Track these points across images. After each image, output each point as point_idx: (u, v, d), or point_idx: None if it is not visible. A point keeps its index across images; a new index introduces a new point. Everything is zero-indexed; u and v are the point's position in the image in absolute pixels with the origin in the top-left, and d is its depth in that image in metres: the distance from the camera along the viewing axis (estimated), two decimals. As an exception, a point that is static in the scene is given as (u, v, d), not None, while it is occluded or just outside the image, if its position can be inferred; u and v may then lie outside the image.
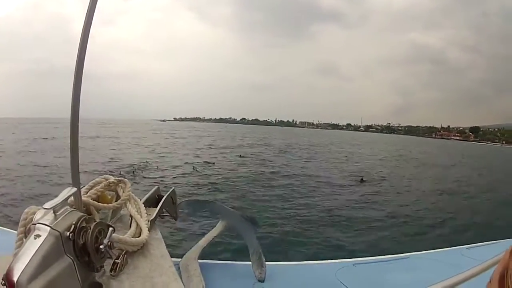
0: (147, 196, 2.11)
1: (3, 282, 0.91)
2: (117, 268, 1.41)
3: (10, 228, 2.80)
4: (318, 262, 3.13)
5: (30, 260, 0.92)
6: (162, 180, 19.08)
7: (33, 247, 0.95)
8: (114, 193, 1.87)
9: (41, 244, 0.95)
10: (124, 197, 1.80)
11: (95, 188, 1.75)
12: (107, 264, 1.31)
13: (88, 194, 1.68)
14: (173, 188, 2.30)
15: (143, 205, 1.88)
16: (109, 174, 1.89)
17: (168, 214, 2.20)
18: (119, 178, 1.88)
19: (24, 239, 1.20)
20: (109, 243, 1.14)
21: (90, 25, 1.12)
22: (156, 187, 2.28)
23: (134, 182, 17.33)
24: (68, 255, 1.03)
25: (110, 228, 1.18)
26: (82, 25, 1.11)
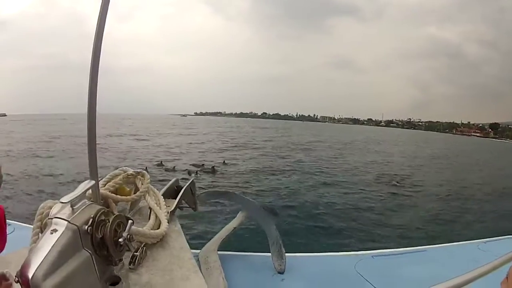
0: (166, 187, 2.10)
1: (17, 278, 0.89)
2: (136, 261, 1.40)
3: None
4: (337, 254, 3.14)
5: (46, 256, 0.90)
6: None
7: (49, 242, 0.93)
8: (132, 185, 1.86)
9: (58, 239, 0.94)
10: (143, 189, 1.78)
11: (113, 180, 1.73)
12: (126, 257, 1.29)
13: (106, 186, 1.67)
14: (192, 179, 2.28)
15: (162, 197, 1.87)
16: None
17: (187, 206, 2.19)
18: (138, 170, 1.86)
19: (40, 234, 1.20)
20: (128, 236, 1.12)
21: (105, 20, 1.10)
22: (175, 178, 2.26)
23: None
24: (86, 249, 1.01)
25: (130, 221, 1.16)
26: (97, 20, 1.09)
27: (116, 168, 1.81)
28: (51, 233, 0.95)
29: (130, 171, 1.84)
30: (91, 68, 1.08)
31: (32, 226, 1.22)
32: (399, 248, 3.19)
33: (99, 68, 1.09)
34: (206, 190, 2.68)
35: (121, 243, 1.10)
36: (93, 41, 1.09)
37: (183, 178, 2.33)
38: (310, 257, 2.94)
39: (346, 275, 2.49)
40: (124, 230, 1.13)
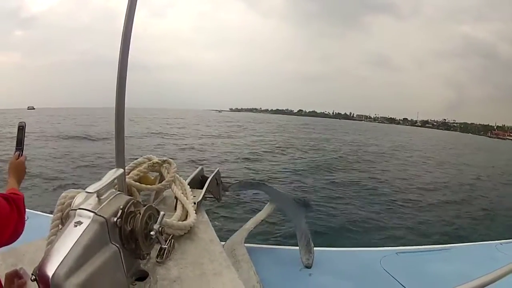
0: (191, 177, 2.01)
1: (34, 277, 0.79)
2: (164, 254, 1.30)
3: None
4: (363, 249, 3.19)
5: (69, 251, 0.80)
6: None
7: (72, 236, 0.83)
8: (157, 174, 1.78)
9: (83, 232, 0.84)
10: (169, 178, 1.68)
11: (137, 169, 1.65)
12: (153, 250, 1.19)
13: (130, 175, 1.58)
14: (217, 169, 2.19)
15: (188, 186, 1.77)
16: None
17: (211, 196, 2.10)
18: (164, 158, 1.77)
19: (60, 226, 1.11)
20: (160, 229, 1.03)
21: (133, 17, 1.11)
22: (200, 167, 2.18)
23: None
24: (114, 243, 0.91)
25: (161, 213, 1.06)
26: (124, 17, 1.11)
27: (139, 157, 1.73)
28: (75, 226, 0.85)
29: (155, 159, 1.75)
30: (119, 61, 1.11)
31: (48, 215, 1.13)
32: (421, 246, 3.24)
33: (129, 62, 1.13)
34: (237, 181, 2.58)
35: (152, 236, 1.01)
36: (121, 36, 1.12)
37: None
38: (335, 252, 2.90)
39: (372, 271, 2.46)
40: (155, 222, 1.03)
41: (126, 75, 1.13)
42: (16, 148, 1.36)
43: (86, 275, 0.81)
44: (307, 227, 2.41)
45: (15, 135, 1.42)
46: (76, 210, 0.89)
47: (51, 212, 1.22)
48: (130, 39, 1.12)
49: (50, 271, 0.77)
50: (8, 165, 1.32)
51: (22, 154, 1.36)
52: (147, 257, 1.12)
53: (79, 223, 0.86)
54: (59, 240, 0.84)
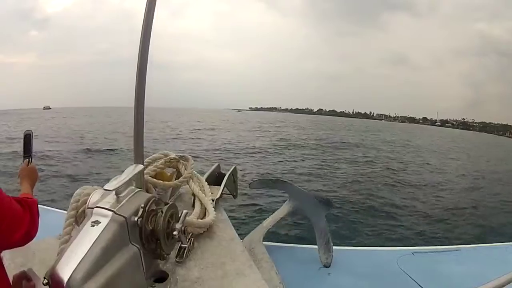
0: (208, 173, 1.95)
1: (46, 280, 0.73)
2: (184, 254, 1.24)
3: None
4: (380, 249, 3.22)
5: (86, 253, 0.74)
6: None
7: (90, 236, 0.77)
8: (174, 170, 1.71)
9: (101, 233, 0.78)
10: (187, 174, 1.62)
11: (154, 164, 1.59)
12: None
13: (146, 171, 1.52)
14: (234, 166, 2.14)
15: (206, 183, 1.71)
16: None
17: (227, 193, 2.04)
18: (181, 155, 1.71)
19: (74, 225, 1.06)
20: (182, 228, 0.96)
21: (153, 16, 1.13)
22: (216, 164, 2.12)
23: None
24: (134, 243, 0.85)
25: (184, 211, 1.00)
26: (143, 16, 1.13)
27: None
28: (92, 226, 0.79)
29: (172, 154, 1.69)
30: (138, 60, 1.12)
31: (60, 211, 1.07)
32: (437, 246, 3.29)
33: (148, 61, 1.14)
34: (258, 178, 2.53)
35: (175, 236, 0.94)
36: (140, 35, 1.12)
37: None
38: (353, 251, 2.91)
39: (389, 271, 2.46)
40: (177, 221, 0.97)
41: (145, 74, 1.13)
42: (23, 156, 1.32)
43: (104, 278, 0.75)
44: (327, 226, 2.36)
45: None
46: (93, 208, 0.83)
47: (63, 208, 1.16)
48: (149, 38, 1.12)
49: (65, 275, 0.71)
50: (19, 172, 1.29)
51: (31, 162, 1.33)
52: (167, 257, 1.06)
53: (97, 222, 0.80)
54: (75, 240, 0.78)
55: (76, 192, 1.08)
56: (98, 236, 0.77)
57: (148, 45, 1.11)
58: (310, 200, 2.41)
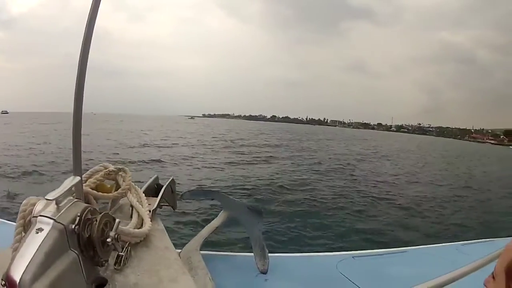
0: (146, 185, 2.03)
1: (3, 282, 0.81)
2: (122, 262, 1.32)
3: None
4: (319, 254, 3.15)
5: (32, 257, 0.82)
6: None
7: (35, 242, 0.85)
8: (113, 182, 1.78)
9: (44, 239, 0.86)
10: (125, 186, 1.71)
11: (94, 176, 1.65)
12: (110, 257, 1.22)
13: (87, 183, 1.59)
14: (172, 177, 2.22)
15: (143, 194, 1.80)
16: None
17: (166, 204, 2.12)
18: (119, 167, 1.78)
19: (23, 233, 1.11)
20: (116, 236, 1.05)
21: (95, 20, 1.11)
22: (155, 175, 2.19)
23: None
24: (73, 249, 0.94)
25: (117, 220, 1.09)
26: (86, 19, 1.10)
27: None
28: (37, 233, 0.87)
29: (112, 167, 1.76)
30: (79, 66, 1.10)
31: (11, 223, 1.12)
32: (379, 249, 3.21)
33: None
34: (191, 189, 2.59)
35: (109, 243, 1.03)
36: (82, 40, 1.11)
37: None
38: (291, 257, 2.92)
39: (328, 275, 2.47)
40: (111, 229, 1.06)
41: (84, 80, 1.12)
42: None
43: (49, 281, 0.83)
44: (261, 234, 2.44)
45: None
46: (37, 217, 0.91)
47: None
48: (90, 43, 1.12)
49: (17, 276, 0.79)
50: None
51: None
52: (106, 264, 1.14)
53: (41, 229, 0.88)
54: (23, 247, 0.86)
55: (23, 202, 1.14)
56: (42, 242, 0.85)
57: (88, 51, 1.12)
58: (242, 210, 2.51)
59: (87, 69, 1.12)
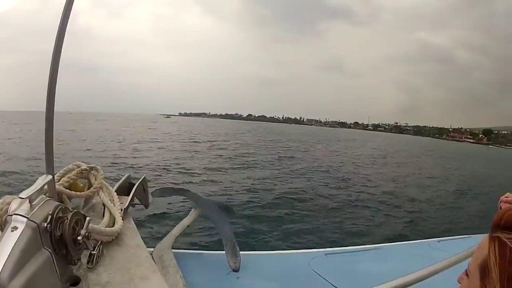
0: (118, 184, 2.04)
1: None
2: (94, 260, 1.35)
3: None
4: (291, 252, 3.24)
5: (9, 255, 0.84)
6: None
7: (10, 240, 0.87)
8: (86, 180, 1.79)
9: (19, 237, 0.88)
10: (97, 185, 1.73)
11: (67, 175, 1.67)
12: (83, 256, 1.24)
13: (60, 182, 1.60)
14: (144, 176, 2.23)
15: (115, 193, 1.82)
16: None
17: (139, 203, 2.14)
18: (91, 165, 1.80)
19: (0, 232, 1.13)
20: (86, 234, 1.08)
21: (68, 17, 1.11)
22: (127, 174, 2.20)
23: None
24: (46, 247, 0.96)
25: (87, 218, 1.12)
26: (60, 16, 1.10)
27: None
28: (12, 231, 0.90)
29: (84, 165, 1.77)
30: (51, 62, 1.09)
31: None
32: (352, 246, 3.24)
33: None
34: (160, 187, 2.59)
35: (80, 241, 1.06)
36: (55, 37, 1.10)
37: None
38: (264, 255, 2.96)
39: (300, 272, 2.51)
40: (82, 227, 1.09)
41: (57, 77, 1.12)
42: None
43: (25, 278, 0.86)
44: (232, 232, 2.49)
45: None
46: (12, 215, 0.93)
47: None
48: (63, 39, 1.12)
49: None
50: None
51: None
52: (78, 263, 1.16)
53: (15, 228, 0.90)
54: (0, 244, 0.88)
55: None
56: (17, 240, 0.88)
57: (61, 47, 1.11)
58: (212, 208, 2.53)
59: (60, 66, 1.12)
